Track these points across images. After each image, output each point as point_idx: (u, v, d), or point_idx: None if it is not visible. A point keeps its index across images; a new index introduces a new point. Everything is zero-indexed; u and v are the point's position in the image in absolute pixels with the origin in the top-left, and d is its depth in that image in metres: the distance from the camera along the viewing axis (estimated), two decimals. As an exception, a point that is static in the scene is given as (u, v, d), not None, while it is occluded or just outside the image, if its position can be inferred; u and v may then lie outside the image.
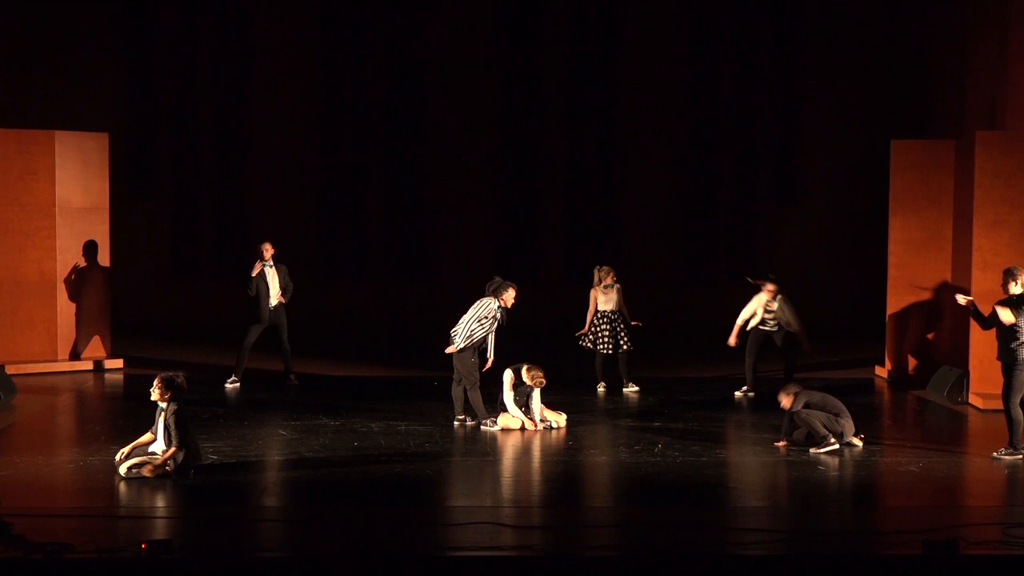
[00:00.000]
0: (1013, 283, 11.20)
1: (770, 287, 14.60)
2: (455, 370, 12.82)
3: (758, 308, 14.65)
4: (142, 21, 21.80)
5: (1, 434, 12.31)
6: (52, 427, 13.19)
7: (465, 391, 12.78)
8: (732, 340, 14.74)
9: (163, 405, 10.47)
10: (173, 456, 10.34)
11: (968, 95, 17.27)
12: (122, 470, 10.30)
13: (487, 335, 12.74)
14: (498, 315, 12.72)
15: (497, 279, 12.90)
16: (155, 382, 10.51)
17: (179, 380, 10.50)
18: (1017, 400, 11.23)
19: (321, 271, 21.64)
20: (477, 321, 12.65)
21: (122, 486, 10.14)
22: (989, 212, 14.20)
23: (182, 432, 10.35)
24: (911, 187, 15.92)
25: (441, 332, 13.12)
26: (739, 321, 14.74)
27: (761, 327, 14.66)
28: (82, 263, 16.37)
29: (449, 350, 12.75)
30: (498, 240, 22.07)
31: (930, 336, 15.89)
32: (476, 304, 12.74)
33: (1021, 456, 11.18)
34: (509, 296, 12.77)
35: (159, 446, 10.48)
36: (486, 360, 12.91)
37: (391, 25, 21.95)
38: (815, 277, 21.30)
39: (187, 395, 10.63)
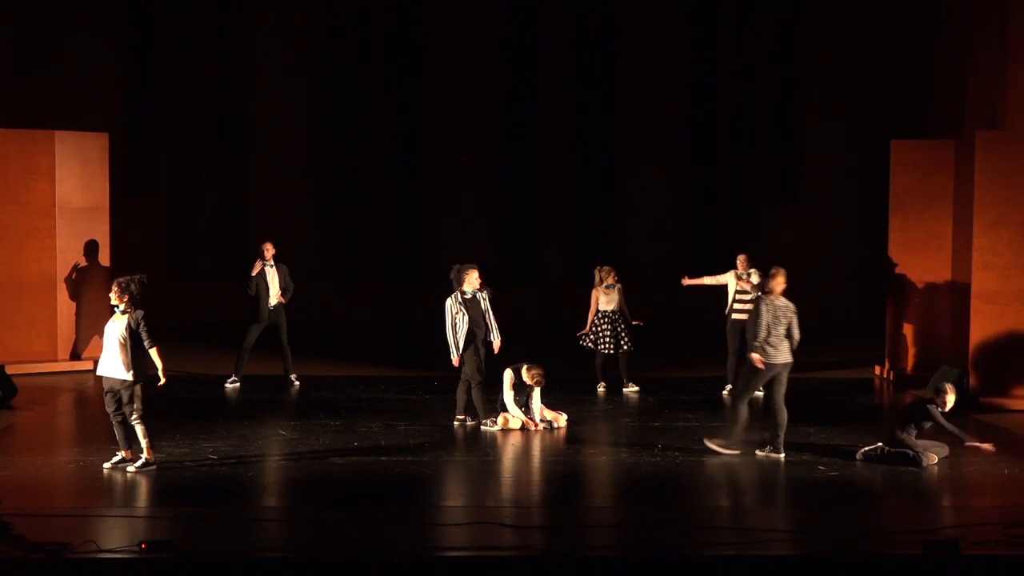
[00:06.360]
0: None
1: (742, 257, 14.55)
2: (462, 371, 12.74)
3: (730, 282, 14.55)
4: (142, 21, 21.81)
5: (1, 434, 12.32)
6: (52, 427, 13.18)
7: (468, 390, 12.75)
8: (685, 280, 14.72)
9: (122, 309, 10.28)
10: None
11: (968, 95, 17.24)
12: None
13: (472, 327, 12.49)
14: (475, 298, 12.49)
15: (455, 267, 12.63)
16: (113, 288, 10.36)
17: (135, 283, 10.34)
18: None
19: (321, 271, 21.63)
20: (451, 326, 12.50)
21: (122, 486, 10.14)
22: (989, 212, 14.19)
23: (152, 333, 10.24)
24: (911, 187, 15.91)
25: (438, 332, 13.07)
26: (706, 280, 14.71)
27: (734, 316, 14.55)
28: (82, 263, 16.37)
29: (455, 362, 12.63)
30: (498, 240, 22.06)
31: (930, 336, 15.87)
32: (445, 311, 12.57)
33: None
34: (472, 278, 12.52)
35: (110, 367, 10.34)
36: (493, 347, 12.70)
37: (392, 25, 21.95)
38: (815, 277, 21.27)
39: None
